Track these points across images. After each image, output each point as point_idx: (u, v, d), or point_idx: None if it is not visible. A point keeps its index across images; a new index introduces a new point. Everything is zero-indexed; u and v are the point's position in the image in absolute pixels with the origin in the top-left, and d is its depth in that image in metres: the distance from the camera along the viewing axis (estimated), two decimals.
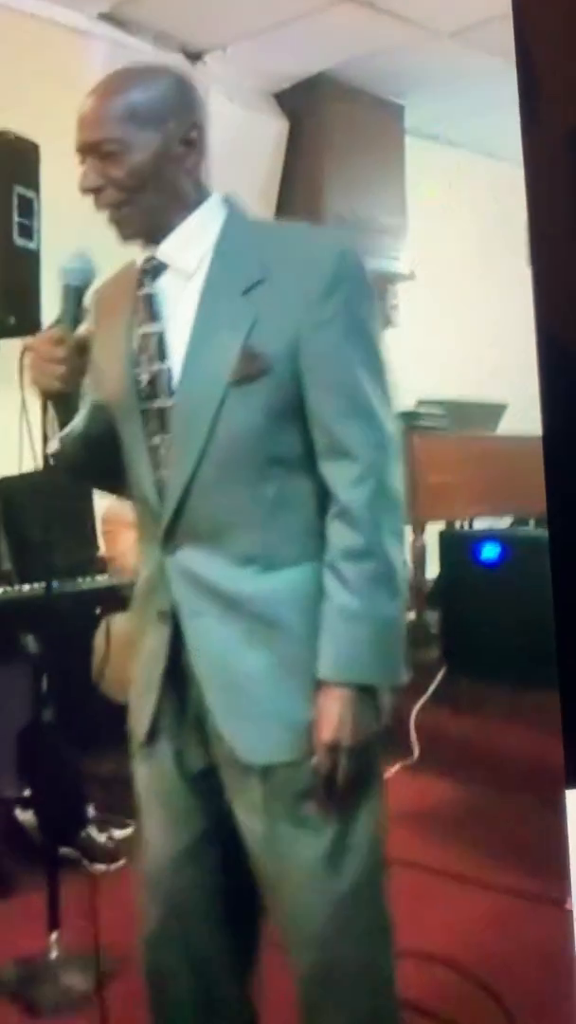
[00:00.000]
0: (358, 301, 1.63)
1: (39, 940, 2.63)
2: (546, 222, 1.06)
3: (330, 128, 5.83)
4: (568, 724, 1.09)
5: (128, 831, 3.02)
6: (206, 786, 1.72)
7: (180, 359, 1.65)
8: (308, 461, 1.64)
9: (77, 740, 3.26)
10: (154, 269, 1.69)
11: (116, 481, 1.79)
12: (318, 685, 1.60)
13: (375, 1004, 1.70)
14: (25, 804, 3.33)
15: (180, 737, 1.72)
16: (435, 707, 4.43)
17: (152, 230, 1.68)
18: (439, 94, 6.03)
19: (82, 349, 1.65)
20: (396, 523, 1.63)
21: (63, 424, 1.71)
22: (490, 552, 4.52)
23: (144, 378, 1.68)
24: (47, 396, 1.69)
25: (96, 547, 4.01)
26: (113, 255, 1.84)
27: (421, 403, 5.19)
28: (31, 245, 3.94)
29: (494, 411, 5.64)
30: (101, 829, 3.26)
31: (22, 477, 3.43)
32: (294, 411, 1.62)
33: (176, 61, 5.30)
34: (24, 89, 4.42)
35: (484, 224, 6.69)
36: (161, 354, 1.67)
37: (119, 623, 3.63)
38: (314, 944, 1.66)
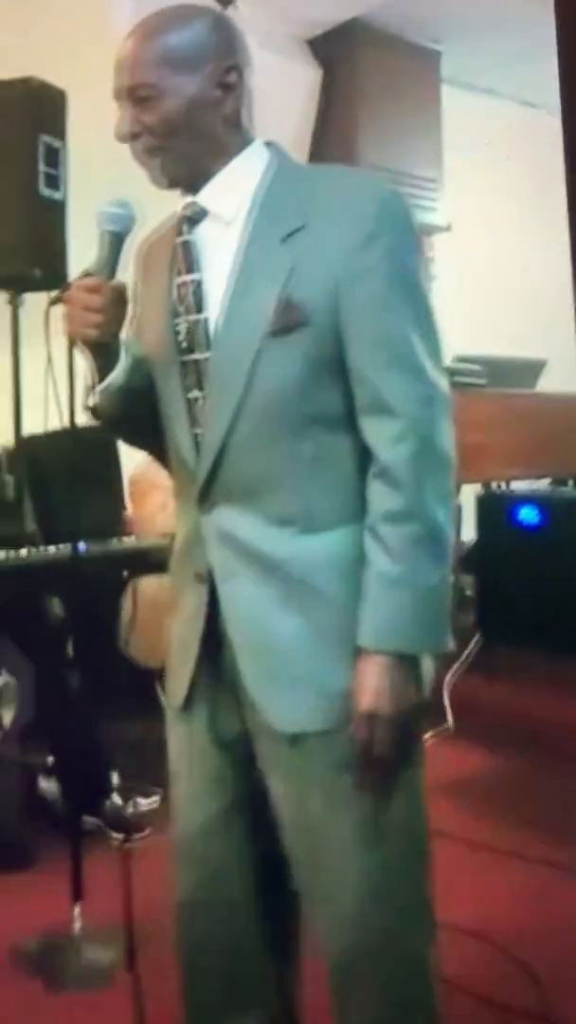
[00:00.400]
0: (402, 249, 1.57)
1: (62, 913, 2.61)
2: None
3: (364, 76, 5.73)
4: None
5: (154, 799, 2.98)
6: (240, 754, 1.69)
7: (218, 309, 1.61)
8: (349, 419, 1.58)
9: (103, 706, 3.23)
10: (194, 216, 1.66)
11: (155, 439, 1.75)
12: (357, 652, 1.55)
13: (409, 989, 1.66)
14: (48, 772, 3.31)
15: (215, 703, 1.69)
16: (470, 675, 4.40)
17: (189, 177, 1.64)
18: (477, 40, 5.93)
19: (120, 298, 1.60)
20: (442, 484, 1.56)
21: (102, 377, 1.65)
22: (528, 515, 4.44)
23: (183, 329, 1.64)
24: (84, 345, 1.63)
25: (123, 508, 3.97)
26: (145, 207, 1.78)
27: (457, 359, 5.10)
28: (57, 195, 3.87)
29: (533, 367, 5.53)
30: (125, 798, 3.22)
31: (48, 436, 3.37)
32: (335, 365, 1.57)
33: (205, 3, 5.20)
34: (51, 35, 4.34)
35: (523, 176, 6.59)
36: (199, 304, 1.63)
37: (147, 586, 3.59)
38: (346, 924, 1.62)
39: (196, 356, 1.63)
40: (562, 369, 5.25)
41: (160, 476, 4.02)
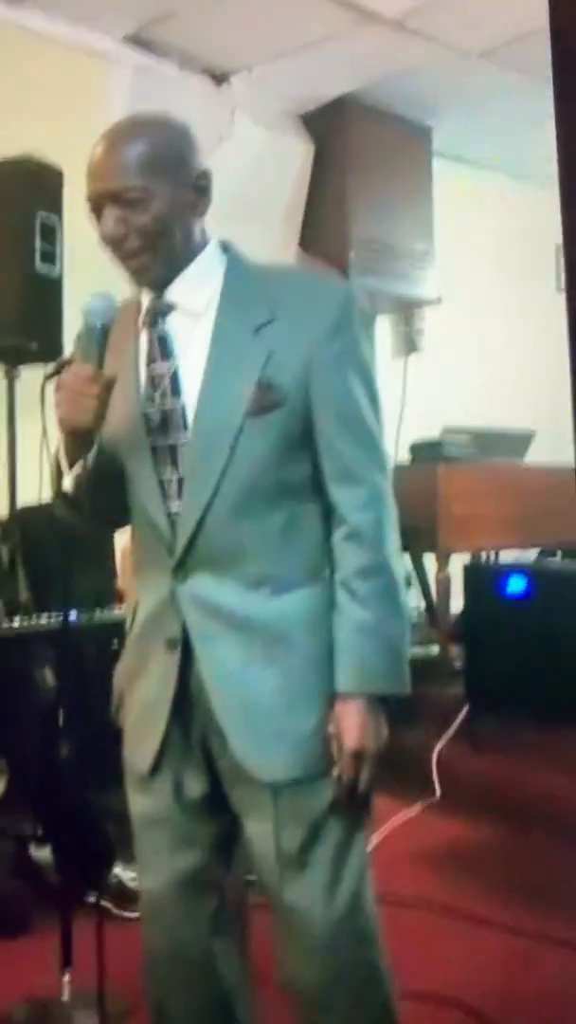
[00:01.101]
0: (359, 340, 1.79)
1: (53, 979, 2.65)
2: None
3: (356, 150, 5.84)
4: None
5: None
6: (207, 808, 1.83)
7: (194, 396, 1.75)
8: (314, 485, 1.77)
9: (94, 776, 3.28)
10: (163, 309, 1.80)
11: (116, 516, 1.88)
12: (332, 699, 1.72)
13: (377, 1013, 1.80)
14: (39, 841, 3.36)
15: (182, 764, 1.82)
16: (457, 745, 4.44)
17: (167, 275, 1.79)
18: (467, 115, 6.06)
19: (111, 388, 1.71)
20: (397, 542, 1.78)
21: (73, 462, 1.77)
22: (516, 585, 4.53)
23: (155, 415, 1.78)
24: (75, 432, 1.73)
25: (115, 578, 4.04)
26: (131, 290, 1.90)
27: (447, 431, 5.22)
28: (53, 271, 3.99)
29: (522, 439, 5.63)
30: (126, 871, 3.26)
31: (42, 507, 3.48)
32: (304, 439, 1.75)
33: (202, 83, 5.37)
34: (49, 114, 4.49)
35: (512, 248, 6.72)
36: (175, 391, 1.77)
37: None
38: (319, 953, 1.75)
39: (171, 440, 1.77)
40: (552, 440, 5.36)
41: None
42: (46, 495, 2.92)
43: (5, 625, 3.32)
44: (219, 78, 5.46)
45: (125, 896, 3.13)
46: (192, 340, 1.78)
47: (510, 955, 2.99)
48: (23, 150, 4.00)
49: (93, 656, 3.53)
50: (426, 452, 5.10)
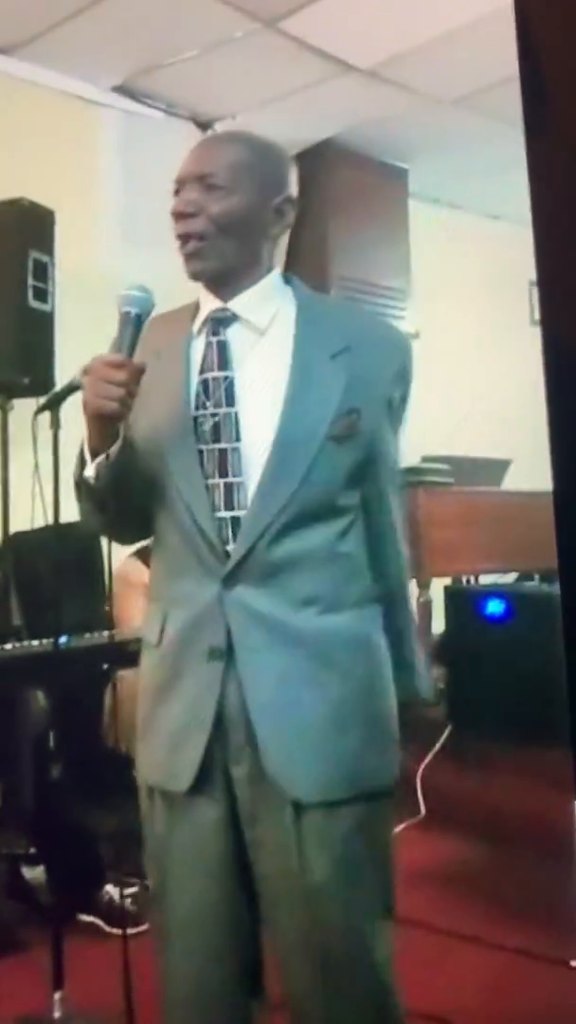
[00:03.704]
0: (411, 385, 1.82)
1: (44, 998, 2.58)
2: (554, 277, 1.06)
3: (336, 192, 5.90)
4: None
5: (133, 890, 2.95)
6: (231, 828, 1.72)
7: (255, 407, 1.71)
8: (358, 512, 1.76)
9: (84, 797, 3.23)
10: (225, 319, 1.76)
11: (134, 521, 1.80)
12: (372, 721, 1.72)
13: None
14: (31, 861, 3.29)
15: (211, 782, 1.71)
16: (441, 764, 4.39)
17: (217, 275, 1.75)
18: (442, 158, 6.12)
19: (139, 377, 1.65)
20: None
21: (96, 453, 1.69)
22: (495, 607, 4.49)
23: (206, 420, 1.71)
24: (99, 416, 1.65)
25: (105, 602, 4.00)
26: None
27: (425, 459, 5.20)
28: (46, 308, 4.00)
29: (498, 467, 5.64)
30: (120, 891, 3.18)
31: (34, 532, 3.43)
32: (362, 472, 1.75)
33: (187, 129, 5.38)
34: (41, 158, 4.52)
35: (487, 283, 6.75)
36: (230, 400, 1.71)
37: (127, 678, 3.61)
38: (331, 976, 1.67)
39: (220, 446, 1.70)
40: (527, 467, 5.35)
41: (138, 575, 4.06)
42: (38, 522, 2.90)
43: None
44: (204, 124, 5.48)
45: (115, 915, 3.06)
46: (251, 354, 1.74)
47: (497, 973, 2.94)
48: (17, 192, 4.01)
49: (84, 679, 3.49)
50: (406, 479, 5.07)
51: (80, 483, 1.73)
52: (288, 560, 1.68)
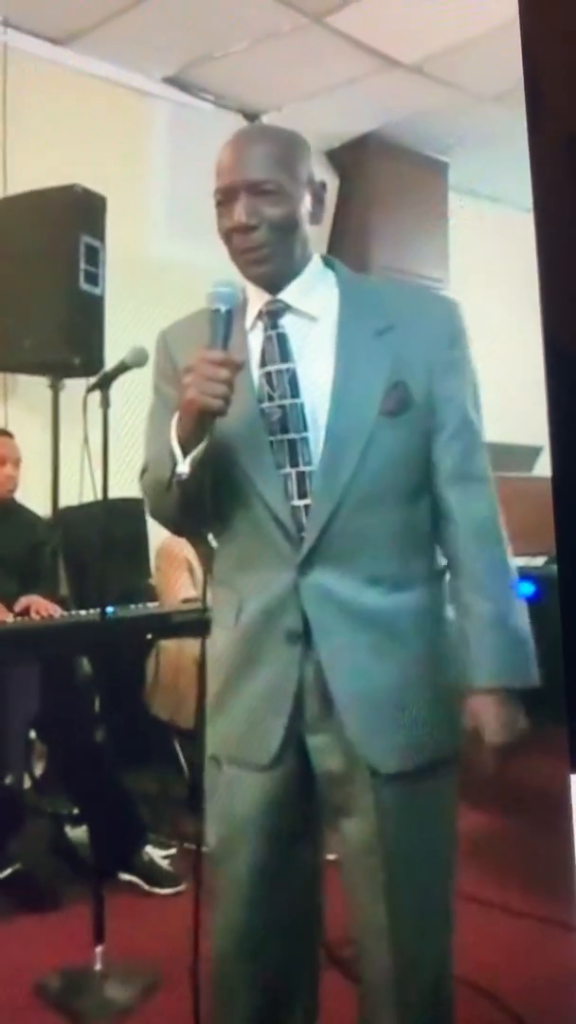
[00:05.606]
0: (469, 349, 1.76)
1: (85, 954, 2.61)
2: (554, 258, 1.05)
3: (377, 184, 5.86)
4: (572, 711, 1.09)
5: (171, 851, 2.97)
6: (295, 797, 1.72)
7: (316, 395, 1.68)
8: (426, 489, 1.71)
9: (126, 761, 3.25)
10: (277, 312, 1.72)
11: (204, 516, 1.73)
12: (443, 692, 1.68)
13: (439, 998, 1.80)
14: (74, 821, 3.32)
15: (286, 752, 1.70)
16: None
17: (282, 273, 1.71)
18: (481, 151, 6.03)
19: (238, 372, 1.62)
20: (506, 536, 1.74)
21: (187, 452, 1.64)
22: (525, 589, 4.44)
23: (274, 412, 1.69)
24: (203, 414, 1.61)
25: (149, 576, 4.02)
26: (169, 309, 1.85)
27: None
28: (96, 291, 4.00)
29: (530, 453, 5.60)
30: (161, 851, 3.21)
31: (82, 507, 3.45)
32: (425, 441, 1.70)
33: (235, 120, 5.37)
34: (94, 146, 4.50)
35: (521, 274, 6.68)
36: (294, 390, 1.69)
37: (169, 648, 3.63)
38: (403, 934, 1.71)
39: (289, 436, 1.68)
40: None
41: (181, 550, 4.06)
42: (86, 498, 2.91)
43: (46, 618, 3.28)
44: (251, 116, 5.45)
45: (155, 875, 3.08)
46: (307, 343, 1.70)
47: (515, 938, 2.92)
48: (70, 179, 4.02)
49: (128, 648, 3.51)
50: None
51: (170, 481, 1.67)
52: (358, 541, 1.66)
